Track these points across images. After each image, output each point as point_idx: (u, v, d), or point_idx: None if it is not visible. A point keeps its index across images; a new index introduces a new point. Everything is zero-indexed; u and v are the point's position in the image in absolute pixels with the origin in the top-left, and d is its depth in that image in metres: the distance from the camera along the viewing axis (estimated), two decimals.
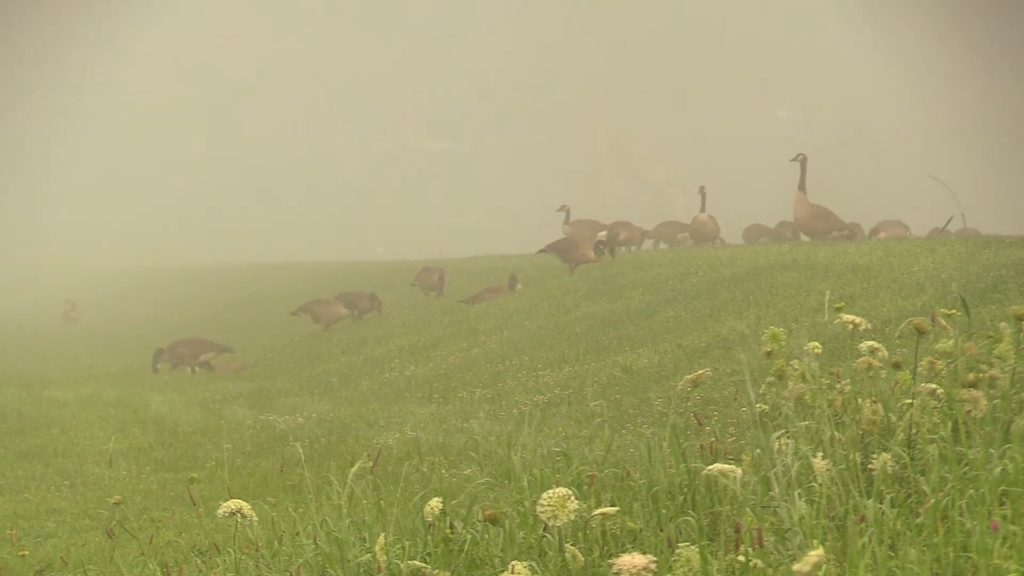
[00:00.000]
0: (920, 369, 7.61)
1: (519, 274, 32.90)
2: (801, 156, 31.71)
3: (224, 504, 7.31)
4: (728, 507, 7.03)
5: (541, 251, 32.77)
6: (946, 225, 12.18)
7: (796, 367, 7.43)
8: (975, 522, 6.28)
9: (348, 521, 7.68)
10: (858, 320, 7.61)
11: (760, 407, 7.57)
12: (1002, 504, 6.48)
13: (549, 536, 7.00)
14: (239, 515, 7.26)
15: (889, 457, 6.81)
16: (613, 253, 31.64)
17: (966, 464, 6.77)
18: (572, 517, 6.38)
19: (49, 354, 37.64)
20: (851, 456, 6.95)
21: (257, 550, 8.17)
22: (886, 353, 7.54)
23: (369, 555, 7.42)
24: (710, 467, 6.70)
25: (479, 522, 7.40)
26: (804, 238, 32.95)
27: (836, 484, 6.78)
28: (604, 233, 35.94)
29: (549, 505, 6.38)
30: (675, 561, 6.20)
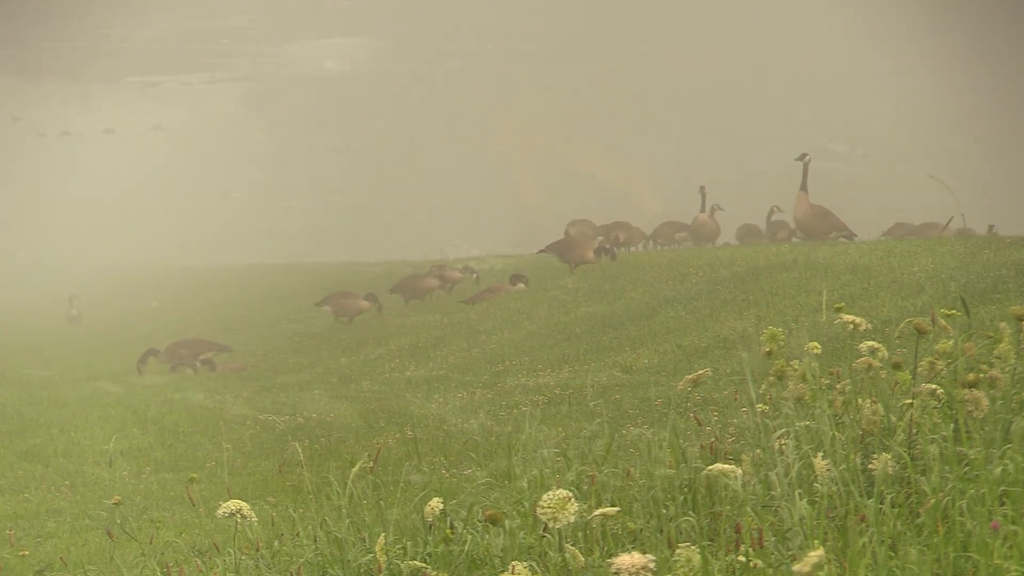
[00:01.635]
0: (920, 369, 7.61)
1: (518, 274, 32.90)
2: (806, 156, 31.72)
3: (224, 505, 7.31)
4: (728, 507, 7.03)
5: (541, 251, 32.85)
6: (947, 225, 12.20)
7: (796, 367, 7.44)
8: (975, 522, 6.28)
9: (348, 521, 7.68)
10: (858, 320, 7.61)
11: (760, 407, 7.57)
12: (1002, 504, 6.48)
13: (549, 536, 7.00)
14: (239, 515, 7.26)
15: (889, 457, 6.81)
16: (614, 256, 31.65)
17: (966, 464, 6.77)
18: (572, 519, 6.38)
19: (50, 354, 37.65)
20: (851, 456, 6.95)
21: (257, 550, 8.17)
22: (886, 353, 7.54)
23: (369, 555, 7.43)
24: (710, 467, 6.70)
25: (479, 522, 7.40)
26: (795, 239, 32.97)
27: (836, 484, 6.78)
28: (602, 238, 36.01)
29: (549, 507, 6.38)
30: (675, 561, 6.20)
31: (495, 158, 76.67)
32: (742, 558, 6.31)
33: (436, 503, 7.10)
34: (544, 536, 7.07)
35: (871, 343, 7.54)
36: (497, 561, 7.16)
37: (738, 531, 6.55)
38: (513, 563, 6.28)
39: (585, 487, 7.66)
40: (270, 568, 8.03)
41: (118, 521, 11.44)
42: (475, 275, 34.82)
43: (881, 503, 6.56)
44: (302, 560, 7.78)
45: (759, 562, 6.26)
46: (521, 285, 31.38)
